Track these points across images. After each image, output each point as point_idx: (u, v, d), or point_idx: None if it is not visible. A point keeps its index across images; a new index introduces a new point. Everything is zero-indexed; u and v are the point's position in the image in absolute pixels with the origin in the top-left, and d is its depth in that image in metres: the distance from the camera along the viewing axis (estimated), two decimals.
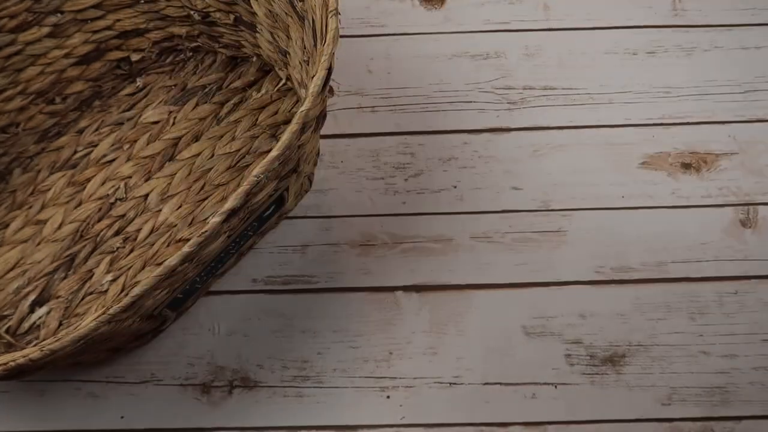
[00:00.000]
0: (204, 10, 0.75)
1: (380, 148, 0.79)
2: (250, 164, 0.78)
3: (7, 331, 0.72)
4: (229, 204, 0.51)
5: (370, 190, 0.78)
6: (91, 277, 0.74)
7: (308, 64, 0.65)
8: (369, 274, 0.74)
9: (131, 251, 0.75)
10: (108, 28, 0.77)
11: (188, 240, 0.55)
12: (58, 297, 0.74)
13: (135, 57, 0.80)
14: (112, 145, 0.79)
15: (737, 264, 0.74)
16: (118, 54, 0.79)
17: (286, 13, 0.66)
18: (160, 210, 0.76)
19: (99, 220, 0.76)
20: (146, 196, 0.77)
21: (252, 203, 0.56)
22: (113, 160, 0.78)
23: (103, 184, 0.77)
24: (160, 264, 0.60)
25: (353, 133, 0.79)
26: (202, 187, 0.77)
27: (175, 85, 0.81)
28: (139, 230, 0.75)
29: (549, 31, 0.82)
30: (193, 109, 0.80)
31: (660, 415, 0.70)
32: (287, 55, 0.72)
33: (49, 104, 0.78)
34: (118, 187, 0.77)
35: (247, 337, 0.73)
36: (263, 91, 0.80)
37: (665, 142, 0.78)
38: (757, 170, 0.77)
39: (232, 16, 0.74)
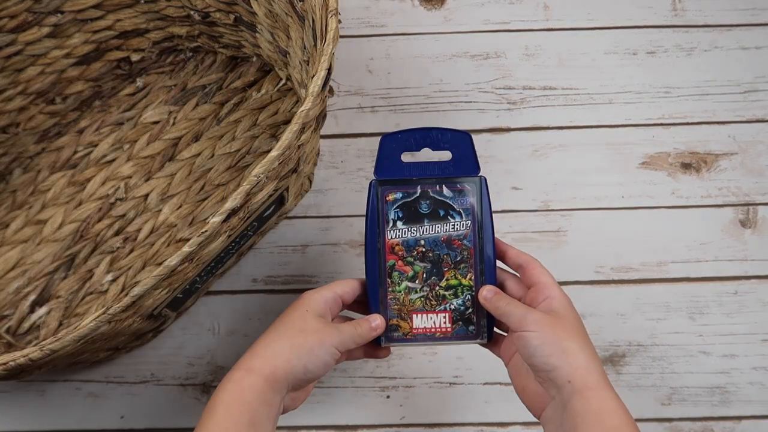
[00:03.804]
0: (204, 10, 0.75)
1: None
2: (250, 164, 0.78)
3: (7, 331, 0.72)
4: (229, 204, 0.51)
5: None
6: (91, 277, 0.74)
7: (308, 64, 0.65)
8: None
9: (131, 251, 0.75)
10: (108, 28, 0.77)
11: (188, 240, 0.55)
12: (58, 297, 0.74)
13: (135, 57, 0.80)
14: (112, 145, 0.79)
15: (737, 264, 0.74)
16: (118, 54, 0.79)
17: (286, 13, 0.66)
18: (160, 210, 0.76)
19: (99, 220, 0.76)
20: (146, 196, 0.77)
21: (252, 203, 0.56)
22: (113, 160, 0.78)
23: (103, 184, 0.77)
24: (160, 264, 0.60)
25: (353, 133, 0.79)
26: (202, 187, 0.77)
27: (175, 85, 0.81)
28: (139, 230, 0.75)
29: (549, 31, 0.82)
30: (193, 109, 0.80)
31: (660, 415, 0.70)
32: (287, 55, 0.72)
33: (49, 104, 0.78)
34: (118, 187, 0.77)
35: (247, 337, 0.73)
36: (263, 91, 0.80)
37: (665, 142, 0.78)
38: (757, 170, 0.77)
39: (232, 16, 0.74)
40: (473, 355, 0.72)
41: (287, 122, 0.79)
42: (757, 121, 0.78)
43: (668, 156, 0.77)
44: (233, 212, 0.52)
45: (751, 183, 0.76)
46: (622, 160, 0.77)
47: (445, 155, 0.59)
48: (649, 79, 0.80)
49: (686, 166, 0.77)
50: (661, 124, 0.79)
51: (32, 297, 0.73)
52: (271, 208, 0.67)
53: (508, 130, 0.79)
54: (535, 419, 0.70)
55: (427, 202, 0.58)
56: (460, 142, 0.58)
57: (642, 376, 0.71)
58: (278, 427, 0.70)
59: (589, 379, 0.51)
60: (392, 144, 0.59)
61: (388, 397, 0.71)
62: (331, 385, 0.72)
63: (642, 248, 0.75)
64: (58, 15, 0.73)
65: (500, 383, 0.71)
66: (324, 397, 0.71)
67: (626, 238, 0.75)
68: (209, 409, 0.51)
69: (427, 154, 0.61)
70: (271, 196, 0.63)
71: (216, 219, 0.51)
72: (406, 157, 0.59)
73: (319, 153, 0.78)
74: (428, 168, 0.58)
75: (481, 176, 0.58)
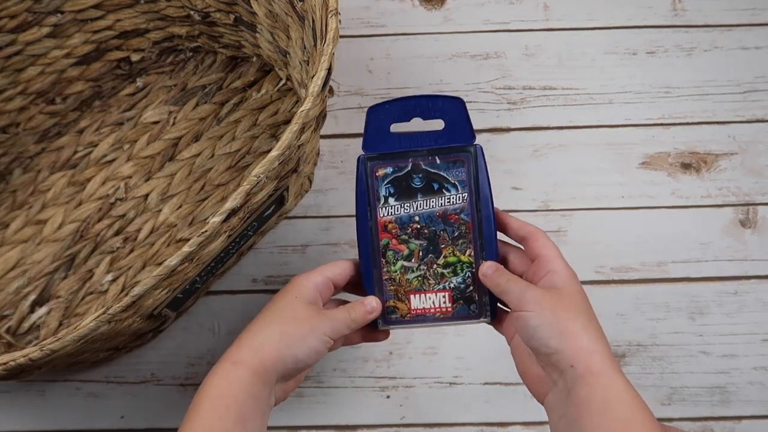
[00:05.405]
0: (204, 10, 0.75)
1: None
2: (250, 164, 0.78)
3: (7, 331, 0.72)
4: (229, 204, 0.51)
5: None
6: (91, 277, 0.74)
7: (308, 64, 0.65)
8: None
9: (131, 251, 0.75)
10: (108, 28, 0.77)
11: (188, 240, 0.55)
12: (58, 297, 0.74)
13: (135, 57, 0.80)
14: (112, 145, 0.79)
15: (737, 264, 0.74)
16: (118, 54, 0.79)
17: (286, 13, 0.66)
18: (160, 210, 0.76)
19: (99, 220, 0.76)
20: (146, 196, 0.77)
21: (252, 203, 0.56)
22: (113, 160, 0.78)
23: (103, 184, 0.77)
24: (160, 264, 0.60)
25: (353, 133, 0.79)
26: (202, 187, 0.77)
27: (175, 85, 0.81)
28: (139, 230, 0.75)
29: (549, 31, 0.82)
30: (193, 109, 0.80)
31: (660, 415, 0.70)
32: (287, 55, 0.72)
33: (49, 104, 0.78)
34: (118, 187, 0.77)
35: None
36: (263, 91, 0.80)
37: (665, 142, 0.78)
38: (757, 170, 0.77)
39: (232, 16, 0.74)
40: (473, 355, 0.72)
41: (287, 122, 0.79)
42: (757, 121, 0.78)
43: (668, 156, 0.77)
44: (233, 212, 0.52)
45: (751, 183, 0.76)
46: (622, 160, 0.77)
47: (438, 124, 0.55)
48: (649, 79, 0.80)
49: (686, 166, 0.77)
50: (661, 124, 0.79)
51: (32, 297, 0.73)
52: (271, 208, 0.67)
53: (508, 130, 0.79)
54: (534, 419, 0.70)
55: (420, 175, 0.55)
56: (453, 109, 0.54)
57: (642, 376, 0.71)
58: (277, 427, 0.70)
59: (592, 363, 0.46)
60: (380, 116, 0.55)
61: (388, 397, 0.71)
62: (331, 385, 0.72)
63: (642, 248, 0.74)
64: (58, 15, 0.73)
65: (500, 383, 0.71)
66: (324, 397, 0.71)
67: (626, 238, 0.75)
68: (193, 406, 0.48)
69: (417, 124, 0.57)
70: (271, 196, 0.63)
71: (216, 219, 0.51)
72: (396, 129, 0.56)
73: (319, 153, 0.78)
74: (419, 139, 0.54)
75: (476, 144, 0.54)
